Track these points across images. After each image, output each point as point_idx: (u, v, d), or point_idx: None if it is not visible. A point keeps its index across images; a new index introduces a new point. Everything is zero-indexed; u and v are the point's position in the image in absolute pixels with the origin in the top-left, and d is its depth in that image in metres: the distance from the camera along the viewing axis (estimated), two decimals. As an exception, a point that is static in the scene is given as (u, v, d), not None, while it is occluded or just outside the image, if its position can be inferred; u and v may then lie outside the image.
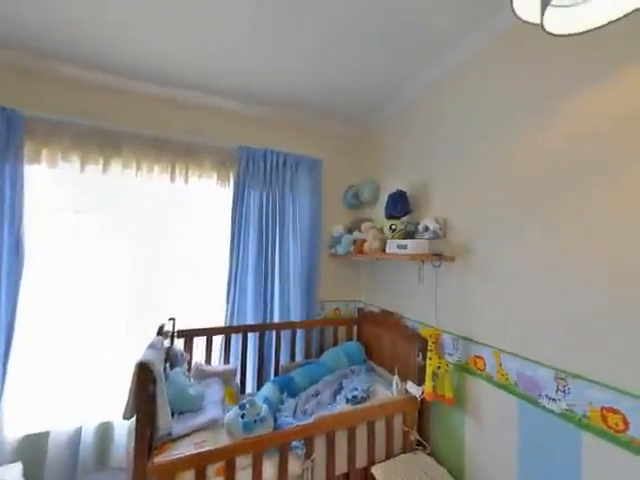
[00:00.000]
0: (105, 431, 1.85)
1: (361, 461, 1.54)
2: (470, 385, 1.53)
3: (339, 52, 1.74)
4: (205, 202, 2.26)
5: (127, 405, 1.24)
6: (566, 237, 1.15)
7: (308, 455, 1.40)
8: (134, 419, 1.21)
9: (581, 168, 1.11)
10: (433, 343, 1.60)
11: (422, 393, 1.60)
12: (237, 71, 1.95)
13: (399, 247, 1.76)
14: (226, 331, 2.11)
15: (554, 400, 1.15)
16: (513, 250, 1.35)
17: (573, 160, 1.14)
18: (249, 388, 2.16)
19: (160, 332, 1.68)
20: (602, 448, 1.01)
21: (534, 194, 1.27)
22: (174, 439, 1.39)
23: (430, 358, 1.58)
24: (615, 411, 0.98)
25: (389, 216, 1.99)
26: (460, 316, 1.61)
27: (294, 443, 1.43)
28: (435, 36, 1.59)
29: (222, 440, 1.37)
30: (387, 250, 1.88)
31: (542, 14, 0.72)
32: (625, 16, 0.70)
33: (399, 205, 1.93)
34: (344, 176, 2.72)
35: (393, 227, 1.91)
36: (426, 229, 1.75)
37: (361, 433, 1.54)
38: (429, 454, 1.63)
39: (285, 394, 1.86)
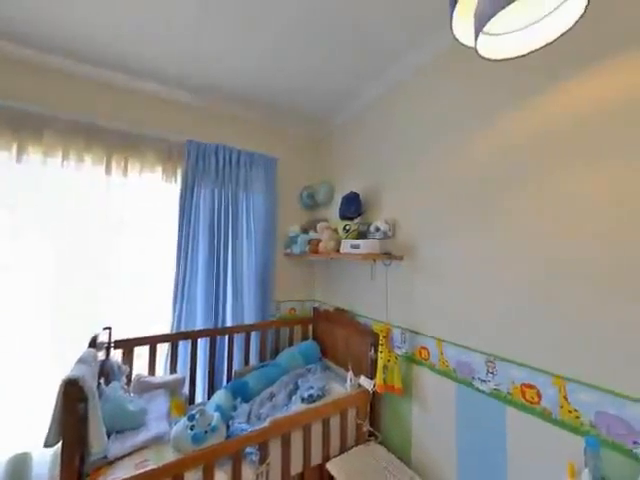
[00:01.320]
0: (19, 464, 1.57)
1: (316, 458, 1.56)
2: (416, 374, 1.65)
3: (296, 51, 1.73)
4: (148, 198, 2.07)
5: (50, 430, 1.07)
6: (497, 237, 1.31)
7: (263, 460, 1.37)
8: (60, 445, 1.05)
9: (508, 176, 1.28)
10: (384, 337, 1.69)
11: (374, 386, 1.68)
12: (186, 60, 1.82)
13: (352, 247, 1.82)
14: (172, 338, 1.96)
15: (485, 381, 1.30)
16: (452, 248, 1.49)
17: (501, 169, 1.30)
18: (199, 397, 2.04)
19: (93, 344, 1.49)
20: (522, 418, 1.17)
21: (470, 198, 1.42)
22: (111, 462, 1.25)
23: (381, 352, 1.67)
24: (532, 386, 1.15)
25: (343, 217, 2.05)
26: (408, 311, 1.73)
27: (248, 449, 1.38)
28: (385, 49, 1.69)
29: (168, 457, 1.27)
30: (341, 250, 1.93)
31: (475, 39, 0.81)
32: (543, 47, 0.82)
33: (352, 206, 2.00)
34: (300, 176, 2.73)
35: (347, 227, 1.97)
36: (377, 230, 1.84)
37: (316, 431, 1.56)
38: (380, 443, 1.72)
39: (239, 400, 1.79)
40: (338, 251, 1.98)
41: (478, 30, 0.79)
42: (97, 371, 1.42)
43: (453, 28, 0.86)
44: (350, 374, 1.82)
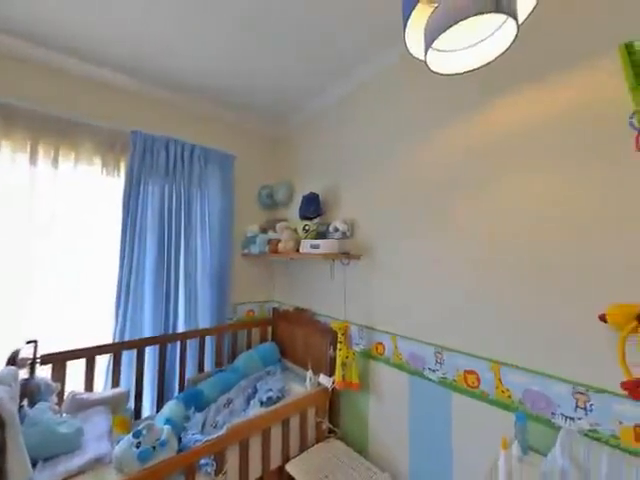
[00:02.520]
0: None
1: (275, 461, 1.54)
2: (373, 369, 1.72)
3: (253, 45, 1.69)
4: (85, 193, 1.84)
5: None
6: (443, 239, 1.42)
7: (219, 470, 1.31)
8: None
9: (452, 183, 1.40)
10: (343, 335, 1.73)
11: (333, 383, 1.71)
12: (133, 44, 1.66)
13: (312, 247, 1.84)
14: (114, 348, 1.77)
15: (434, 371, 1.41)
16: (406, 249, 1.59)
17: (446, 176, 1.42)
18: (147, 411, 1.87)
19: (12, 361, 1.29)
20: (465, 402, 1.29)
21: (420, 202, 1.53)
22: (38, 494, 1.08)
23: (340, 349, 1.71)
24: (473, 372, 1.27)
25: (303, 217, 2.05)
26: (365, 308, 1.79)
27: (203, 461, 1.31)
28: (346, 53, 1.73)
29: None
30: (301, 250, 1.93)
31: (425, 54, 0.87)
32: (483, 66, 0.91)
33: (312, 207, 2.02)
34: (259, 175, 2.67)
35: (307, 228, 1.98)
36: (336, 230, 1.88)
37: (276, 433, 1.54)
38: (340, 438, 1.76)
39: (193, 409, 1.69)
40: (298, 251, 1.98)
41: (427, 45, 0.85)
42: (18, 392, 1.22)
43: (406, 41, 0.92)
44: (309, 373, 1.83)
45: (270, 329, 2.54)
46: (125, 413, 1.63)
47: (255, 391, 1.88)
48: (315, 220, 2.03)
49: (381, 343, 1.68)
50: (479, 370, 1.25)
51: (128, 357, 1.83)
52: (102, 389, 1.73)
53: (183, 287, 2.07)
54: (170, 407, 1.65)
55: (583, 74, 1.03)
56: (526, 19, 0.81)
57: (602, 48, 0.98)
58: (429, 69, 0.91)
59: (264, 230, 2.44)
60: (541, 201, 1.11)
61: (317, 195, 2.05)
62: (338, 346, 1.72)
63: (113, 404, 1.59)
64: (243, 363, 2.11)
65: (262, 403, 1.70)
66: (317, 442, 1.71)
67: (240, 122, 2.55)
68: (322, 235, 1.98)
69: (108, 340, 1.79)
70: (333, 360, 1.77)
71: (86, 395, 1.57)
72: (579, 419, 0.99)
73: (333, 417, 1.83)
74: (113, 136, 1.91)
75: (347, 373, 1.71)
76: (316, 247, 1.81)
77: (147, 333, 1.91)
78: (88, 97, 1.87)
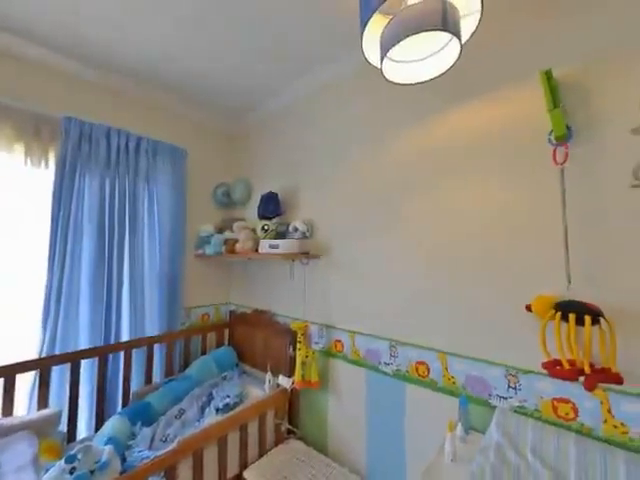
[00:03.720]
0: None
1: (233, 469, 1.48)
2: (332, 367, 1.75)
3: (209, 35, 1.61)
4: (4, 185, 1.58)
5: None
6: (397, 238, 1.50)
7: (170, 486, 1.22)
8: None
9: (405, 185, 1.49)
10: (302, 335, 1.73)
11: (292, 383, 1.71)
12: (71, 20, 1.46)
13: (271, 247, 1.81)
14: (41, 364, 1.55)
15: (388, 364, 1.49)
16: (363, 248, 1.64)
17: (400, 179, 1.51)
18: (84, 432, 1.67)
19: None
20: (417, 391, 1.38)
21: (377, 203, 1.60)
22: None
23: (299, 349, 1.71)
24: (423, 363, 1.37)
25: (262, 217, 2.01)
26: (324, 307, 1.82)
27: (151, 479, 1.21)
28: (307, 54, 1.74)
29: (35, 515, 1.00)
30: (260, 250, 1.89)
31: (381, 62, 0.91)
32: (432, 79, 0.98)
33: (271, 206, 1.99)
34: (214, 172, 2.54)
35: (265, 227, 1.95)
36: (295, 230, 1.88)
37: (233, 440, 1.48)
38: (299, 439, 1.76)
39: (139, 425, 1.55)
40: (256, 251, 1.93)
41: (383, 54, 0.90)
42: None
43: (363, 48, 0.95)
44: (269, 375, 1.80)
45: (227, 333, 2.44)
46: (55, 437, 1.43)
47: (211, 399, 1.79)
48: (274, 220, 2.01)
49: (340, 341, 1.72)
50: (429, 361, 1.35)
51: (60, 373, 1.61)
52: (26, 412, 1.50)
53: (127, 292, 1.88)
54: (112, 424, 1.49)
55: (516, 93, 1.17)
56: (468, 40, 0.89)
57: (531, 72, 1.12)
58: (384, 77, 0.96)
59: (220, 230, 2.34)
60: (480, 205, 1.24)
61: (276, 194, 2.02)
62: (298, 346, 1.72)
63: (40, 428, 1.39)
64: (197, 370, 1.99)
65: (218, 410, 1.62)
66: (276, 445, 1.69)
67: (194, 116, 2.41)
68: (281, 235, 1.96)
69: (33, 355, 1.56)
70: (293, 360, 1.77)
71: (4, 420, 1.35)
72: (510, 398, 1.13)
73: (293, 418, 1.83)
74: (40, 121, 1.66)
75: (307, 372, 1.71)
76: (275, 247, 1.79)
77: (83, 344, 1.70)
78: (9, 71, 1.60)
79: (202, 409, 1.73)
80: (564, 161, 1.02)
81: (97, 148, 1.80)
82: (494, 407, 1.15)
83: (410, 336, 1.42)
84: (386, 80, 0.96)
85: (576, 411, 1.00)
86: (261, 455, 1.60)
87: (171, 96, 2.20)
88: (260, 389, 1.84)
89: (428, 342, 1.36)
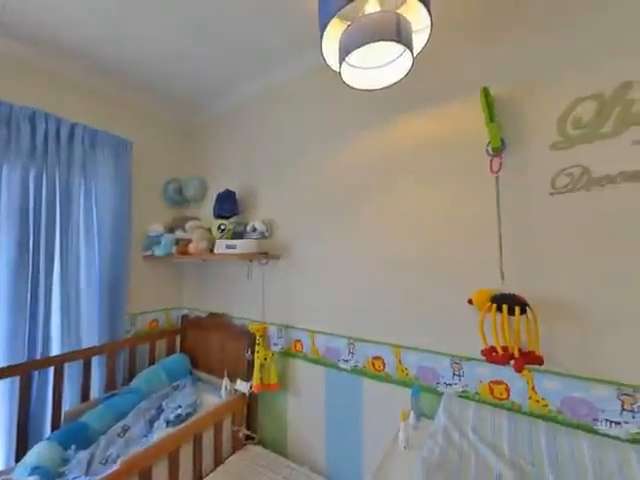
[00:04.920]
0: None
1: (186, 484, 1.39)
2: (292, 367, 1.74)
3: (167, 16, 1.49)
4: None
5: None
6: (354, 239, 1.55)
7: (112, 512, 1.11)
8: None
9: (361, 188, 1.54)
10: (260, 337, 1.70)
11: (251, 388, 1.66)
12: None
13: (228, 247, 1.74)
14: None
15: (347, 361, 1.53)
16: (322, 248, 1.66)
17: (356, 181, 1.55)
18: (1, 464, 1.43)
19: None
20: (373, 385, 1.44)
21: (335, 204, 1.63)
22: None
23: (258, 352, 1.67)
24: (379, 358, 1.43)
25: (218, 216, 1.92)
26: (284, 308, 1.80)
27: (89, 507, 1.09)
28: (266, 51, 1.70)
29: None
30: (216, 250, 1.81)
31: (340, 66, 0.93)
32: (386, 87, 1.03)
33: (228, 205, 1.91)
34: (166, 167, 2.37)
35: (222, 227, 1.87)
36: (254, 229, 1.83)
37: (186, 453, 1.39)
38: (258, 443, 1.72)
39: (73, 448, 1.38)
40: (212, 252, 1.85)
41: (341, 59, 0.92)
42: None
43: (323, 50, 0.96)
44: (225, 381, 1.73)
45: (179, 339, 2.29)
46: (-39, 474, 1.21)
47: (160, 411, 1.66)
48: (231, 219, 1.93)
49: (299, 340, 1.72)
50: (384, 355, 1.42)
51: (-34, 398, 1.36)
52: None
53: (58, 299, 1.66)
54: (38, 451, 1.30)
55: (462, 106, 1.28)
56: (419, 53, 0.95)
57: (474, 88, 1.23)
58: (343, 81, 0.98)
59: (171, 229, 2.18)
60: (428, 208, 1.34)
61: (234, 193, 1.95)
62: (256, 348, 1.68)
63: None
64: (144, 382, 1.83)
65: (169, 423, 1.51)
66: (234, 452, 1.63)
67: (143, 106, 2.21)
68: (239, 235, 1.90)
69: None
70: (251, 364, 1.72)
71: None
72: (455, 384, 1.24)
73: (251, 422, 1.78)
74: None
75: (265, 375, 1.68)
76: (232, 247, 1.72)
77: (0, 362, 1.46)
78: None
79: (150, 423, 1.59)
80: (498, 170, 1.15)
81: (18, 134, 1.56)
82: (441, 394, 1.24)
83: (367, 333, 1.48)
84: (344, 84, 0.99)
85: (508, 391, 1.13)
86: (217, 465, 1.53)
87: (117, 82, 2.00)
88: (216, 396, 1.76)
89: (384, 337, 1.43)
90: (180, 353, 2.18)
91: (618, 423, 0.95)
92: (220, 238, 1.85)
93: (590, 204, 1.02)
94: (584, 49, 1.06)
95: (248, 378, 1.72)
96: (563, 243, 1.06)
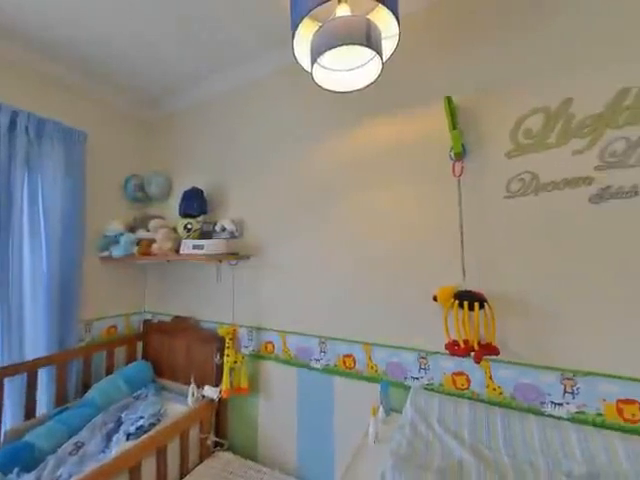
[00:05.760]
0: None
1: (149, 499, 1.31)
2: (263, 369, 1.71)
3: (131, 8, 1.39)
4: None
5: None
6: (326, 239, 1.56)
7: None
8: None
9: (333, 188, 1.55)
10: (230, 340, 1.65)
11: (220, 393, 1.61)
12: None
13: (195, 247, 1.67)
14: None
15: (318, 360, 1.53)
16: (294, 248, 1.65)
17: (328, 182, 1.57)
18: None
19: None
20: (344, 383, 1.46)
21: (307, 204, 1.63)
22: None
23: (228, 355, 1.62)
24: (350, 355, 1.46)
25: (184, 214, 1.84)
26: (255, 309, 1.77)
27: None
28: (235, 47, 1.65)
29: None
30: (182, 251, 1.72)
31: (312, 67, 0.94)
32: (356, 91, 1.05)
33: (195, 203, 1.83)
34: (127, 162, 2.21)
35: (189, 226, 1.78)
36: (223, 229, 1.78)
37: (149, 467, 1.31)
38: (227, 450, 1.67)
39: (16, 471, 1.24)
40: (177, 252, 1.76)
41: (312, 60, 0.92)
42: None
43: (294, 50, 0.96)
44: (192, 387, 1.65)
45: (140, 346, 2.15)
46: None
47: (119, 424, 1.55)
48: (199, 218, 1.85)
49: (271, 342, 1.69)
50: (355, 353, 1.45)
51: None
52: None
53: (-3, 306, 1.48)
54: (-29, 480, 1.15)
55: (428, 112, 1.34)
56: (388, 59, 0.98)
57: (440, 96, 1.29)
58: (314, 82, 0.99)
59: (131, 229, 2.04)
60: (396, 209, 1.39)
61: (201, 191, 1.87)
62: (226, 352, 1.63)
63: None
64: (101, 393, 1.70)
65: (129, 436, 1.42)
66: (202, 461, 1.57)
67: (100, 94, 2.04)
68: (207, 235, 1.83)
69: None
70: (220, 368, 1.67)
71: None
72: (421, 378, 1.29)
73: (221, 428, 1.72)
74: None
75: (236, 379, 1.64)
76: (200, 247, 1.65)
77: None
78: None
79: (108, 437, 1.48)
80: (460, 174, 1.22)
81: (-54, 119, 1.37)
82: (409, 388, 1.30)
83: (339, 331, 1.50)
84: (316, 84, 1.00)
85: (469, 381, 1.21)
86: (183, 476, 1.46)
87: (69, 67, 1.82)
88: (183, 404, 1.67)
89: (355, 335, 1.45)
90: (142, 360, 2.05)
91: (560, 404, 1.06)
92: (187, 238, 1.77)
93: (538, 207, 1.12)
94: (534, 66, 1.16)
95: (217, 383, 1.66)
96: (515, 243, 1.16)
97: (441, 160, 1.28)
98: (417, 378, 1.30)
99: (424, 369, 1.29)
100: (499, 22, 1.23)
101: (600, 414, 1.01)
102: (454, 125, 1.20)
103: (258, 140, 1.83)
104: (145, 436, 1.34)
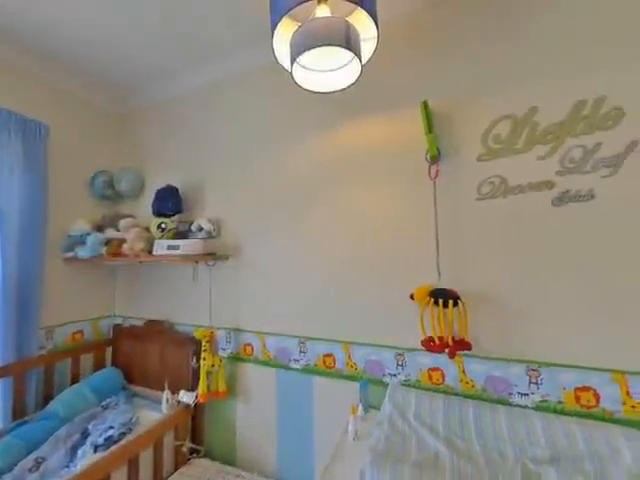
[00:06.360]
0: None
1: (119, 514, 1.25)
2: (241, 372, 1.68)
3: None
4: None
5: None
6: (306, 239, 1.56)
7: None
8: None
9: (312, 189, 1.55)
10: (207, 342, 1.60)
11: (196, 397, 1.56)
12: None
13: (170, 248, 1.60)
14: None
15: (298, 361, 1.53)
16: (273, 248, 1.64)
17: (307, 183, 1.56)
18: None
19: None
20: (324, 382, 1.47)
21: (287, 205, 1.61)
22: None
23: (204, 358, 1.58)
24: (330, 355, 1.47)
25: (158, 213, 1.76)
26: (233, 310, 1.73)
27: None
28: (213, 42, 1.61)
29: None
30: (155, 251, 1.65)
31: (291, 66, 0.93)
32: (337, 91, 1.06)
33: (170, 202, 1.76)
34: (94, 157, 2.08)
35: (163, 226, 1.71)
36: (200, 229, 1.72)
37: (119, 479, 1.24)
38: (204, 456, 1.62)
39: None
40: (150, 253, 1.68)
41: (292, 59, 0.92)
42: None
43: (274, 49, 0.95)
44: (167, 393, 1.59)
45: (110, 352, 2.03)
46: None
47: (86, 435, 1.45)
48: (174, 218, 1.78)
49: (249, 344, 1.67)
50: (335, 352, 1.46)
51: None
52: None
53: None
54: None
55: (406, 116, 1.37)
56: (367, 62, 1.00)
57: (417, 100, 1.31)
58: (294, 81, 0.98)
59: (99, 228, 1.93)
60: (374, 209, 1.41)
61: (176, 189, 1.81)
62: (202, 355, 1.58)
63: None
64: (64, 404, 1.59)
65: (97, 447, 1.34)
66: (177, 469, 1.51)
67: (64, 84, 1.91)
68: (183, 235, 1.77)
69: None
70: (196, 372, 1.61)
71: None
72: (398, 374, 1.33)
73: (197, 434, 1.67)
74: None
75: (213, 382, 1.59)
76: (175, 248, 1.59)
77: None
78: None
79: (73, 451, 1.39)
80: (436, 176, 1.27)
81: None
82: (387, 384, 1.32)
83: (318, 331, 1.50)
84: (296, 84, 0.99)
85: (444, 376, 1.26)
86: (157, 486, 1.40)
87: (31, 54, 1.68)
88: (157, 411, 1.60)
89: (334, 335, 1.46)
90: (111, 367, 1.94)
91: (526, 394, 1.13)
92: (161, 238, 1.69)
93: (507, 209, 1.19)
94: (502, 75, 1.23)
95: (193, 388, 1.61)
96: (486, 243, 1.22)
97: (418, 162, 1.32)
98: (395, 375, 1.33)
99: (401, 366, 1.32)
100: (468, 35, 1.29)
101: (561, 402, 1.08)
102: (430, 129, 1.24)
103: (237, 138, 1.80)
104: (115, 447, 1.26)
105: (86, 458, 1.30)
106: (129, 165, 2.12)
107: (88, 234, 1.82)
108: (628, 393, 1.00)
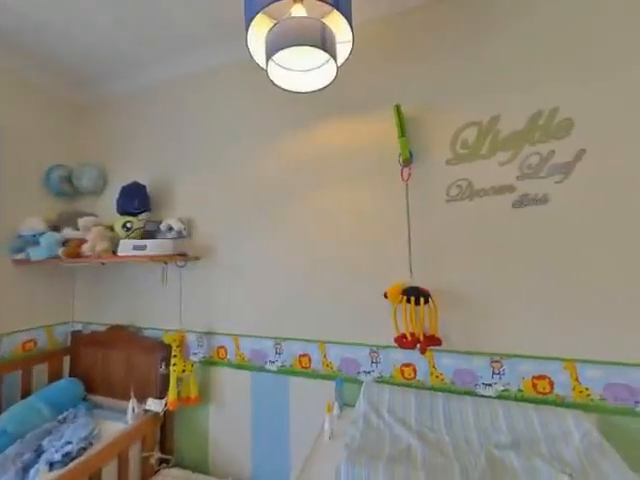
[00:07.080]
0: None
1: (78, 535, 1.16)
2: (214, 376, 1.63)
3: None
4: None
5: None
6: (280, 239, 1.54)
7: None
8: None
9: (287, 189, 1.54)
10: (177, 347, 1.54)
11: (165, 405, 1.49)
12: None
13: (136, 248, 1.52)
14: None
15: (273, 362, 1.51)
16: (247, 249, 1.60)
17: (282, 182, 1.55)
18: None
19: None
20: (299, 382, 1.46)
21: (262, 204, 1.59)
22: None
23: (174, 364, 1.51)
24: (306, 355, 1.46)
25: (123, 212, 1.66)
26: (205, 313, 1.67)
27: None
28: (184, 34, 1.54)
29: None
30: (120, 252, 1.55)
31: (267, 64, 0.92)
32: (313, 92, 1.06)
33: (136, 200, 1.67)
34: (50, 150, 1.92)
35: (128, 225, 1.62)
36: (170, 228, 1.65)
37: (78, 497, 1.16)
38: (175, 465, 1.55)
39: None
40: (115, 253, 1.58)
41: (267, 57, 0.91)
42: None
43: (249, 46, 0.93)
44: (132, 402, 1.50)
45: (67, 361, 1.88)
46: None
47: (40, 453, 1.33)
48: (141, 216, 1.69)
49: (223, 347, 1.62)
50: (310, 352, 1.46)
51: None
52: None
53: None
54: None
55: (380, 119, 1.40)
56: (343, 64, 1.01)
57: (390, 104, 1.35)
58: (270, 80, 0.97)
59: (55, 227, 1.78)
60: (349, 210, 1.43)
61: (143, 186, 1.71)
62: (172, 361, 1.52)
63: None
64: (13, 420, 1.44)
65: (53, 465, 1.23)
66: (144, 482, 1.43)
67: (12, 70, 1.73)
68: (151, 235, 1.68)
69: None
70: (166, 379, 1.54)
71: None
72: (373, 371, 1.36)
73: (167, 444, 1.60)
74: None
75: (185, 388, 1.53)
76: (142, 248, 1.50)
77: None
78: None
79: (25, 471, 1.26)
80: (408, 179, 1.31)
81: None
82: (362, 382, 1.35)
83: (294, 331, 1.49)
84: (272, 83, 0.98)
85: (416, 372, 1.30)
86: (122, 502, 1.32)
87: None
88: (121, 422, 1.51)
89: (310, 334, 1.46)
90: (69, 378, 1.80)
91: (490, 385, 1.20)
92: (126, 238, 1.60)
93: (472, 211, 1.26)
94: (468, 84, 1.30)
95: (162, 395, 1.53)
96: (454, 243, 1.28)
97: (392, 164, 1.36)
98: (369, 372, 1.36)
99: (375, 363, 1.36)
100: (437, 43, 1.35)
101: (520, 390, 1.17)
102: (402, 132, 1.28)
103: (210, 134, 1.74)
104: (74, 463, 1.17)
105: (41, 477, 1.19)
106: (90, 160, 1.98)
107: (42, 233, 1.67)
108: (577, 379, 1.11)
